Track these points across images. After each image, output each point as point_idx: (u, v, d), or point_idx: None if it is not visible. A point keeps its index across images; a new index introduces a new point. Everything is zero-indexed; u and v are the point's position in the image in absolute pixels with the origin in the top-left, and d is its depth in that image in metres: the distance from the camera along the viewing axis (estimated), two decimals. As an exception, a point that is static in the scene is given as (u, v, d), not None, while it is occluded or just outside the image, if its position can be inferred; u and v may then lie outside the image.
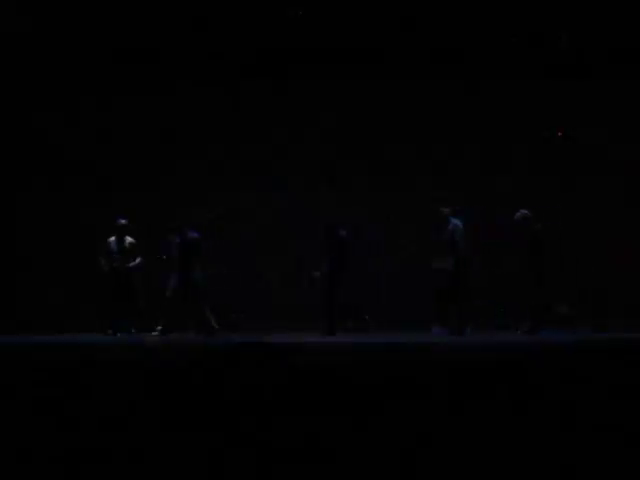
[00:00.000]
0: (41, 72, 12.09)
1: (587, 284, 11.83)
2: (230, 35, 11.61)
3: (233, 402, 3.95)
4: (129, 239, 11.04)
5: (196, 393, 4.27)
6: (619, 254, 11.94)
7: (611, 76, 11.96)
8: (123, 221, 11.00)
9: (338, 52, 11.87)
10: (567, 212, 12.10)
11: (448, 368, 5.32)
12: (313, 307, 11.06)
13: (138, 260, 10.97)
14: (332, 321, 10.34)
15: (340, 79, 12.20)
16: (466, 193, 12.19)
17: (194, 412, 3.78)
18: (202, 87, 12.38)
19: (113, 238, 11.03)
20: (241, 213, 12.29)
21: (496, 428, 3.39)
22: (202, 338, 10.38)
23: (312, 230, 11.30)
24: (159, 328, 10.69)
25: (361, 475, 2.84)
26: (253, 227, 12.16)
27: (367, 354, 7.13)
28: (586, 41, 11.71)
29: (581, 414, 3.62)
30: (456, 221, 10.23)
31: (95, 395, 4.26)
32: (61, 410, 3.83)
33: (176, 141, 12.49)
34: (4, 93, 12.20)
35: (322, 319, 10.45)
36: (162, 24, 11.40)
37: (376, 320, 11.28)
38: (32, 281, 12.22)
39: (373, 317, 11.32)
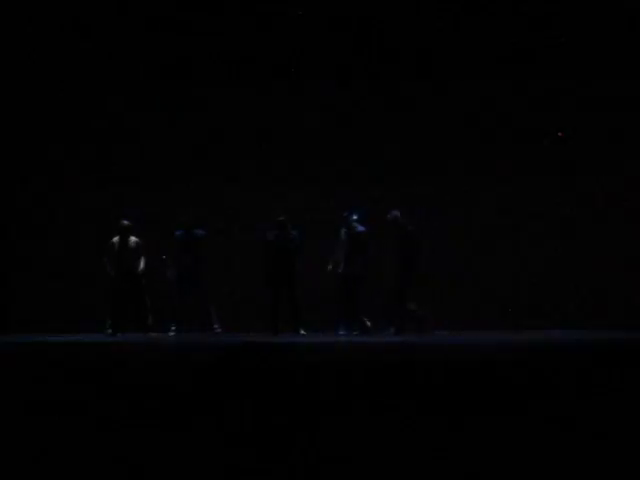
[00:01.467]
0: (41, 71, 12.09)
1: (587, 284, 11.84)
2: (231, 35, 11.60)
3: (231, 400, 3.96)
4: (133, 239, 10.98)
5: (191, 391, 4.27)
6: (619, 254, 11.92)
7: (611, 76, 11.95)
8: (125, 222, 10.94)
9: (338, 52, 11.88)
10: (567, 212, 12.12)
11: (447, 368, 5.33)
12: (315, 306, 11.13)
13: (143, 262, 10.90)
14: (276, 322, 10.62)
15: (340, 79, 12.19)
16: (466, 193, 12.20)
17: (189, 411, 3.78)
18: (203, 87, 12.38)
19: (117, 239, 10.96)
20: (241, 213, 12.24)
21: (496, 428, 3.40)
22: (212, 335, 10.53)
23: (313, 230, 11.27)
24: (173, 328, 10.77)
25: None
26: (252, 227, 12.08)
27: (363, 354, 7.13)
28: (586, 41, 11.69)
29: (580, 414, 3.62)
30: (361, 227, 10.64)
31: (90, 394, 4.27)
32: (61, 409, 3.85)
33: (177, 141, 12.47)
34: (5, 92, 12.21)
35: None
36: (162, 24, 11.39)
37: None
38: (32, 281, 12.18)
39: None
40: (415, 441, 3.14)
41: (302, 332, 10.54)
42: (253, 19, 11.43)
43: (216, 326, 10.77)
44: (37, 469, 2.79)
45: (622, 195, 12.10)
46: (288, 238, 10.68)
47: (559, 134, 12.36)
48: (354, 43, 11.76)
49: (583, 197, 12.17)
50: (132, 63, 12.00)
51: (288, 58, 11.97)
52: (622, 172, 12.09)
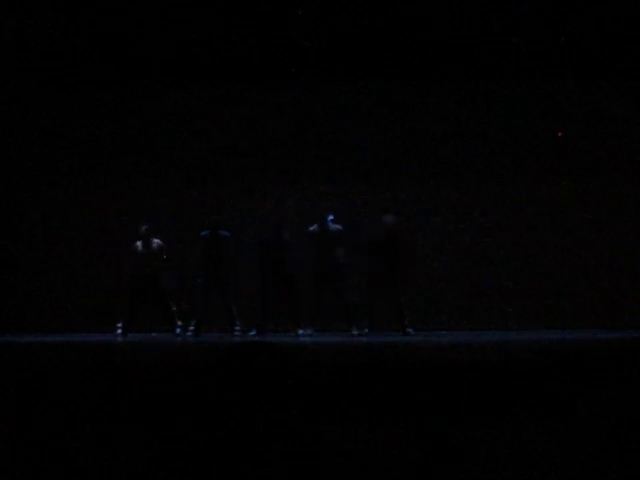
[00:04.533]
0: (39, 72, 12.12)
1: (587, 283, 11.87)
2: (230, 35, 11.60)
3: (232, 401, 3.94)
4: (156, 241, 11.00)
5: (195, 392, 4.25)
6: (619, 254, 11.96)
7: (611, 76, 12.00)
8: (145, 226, 10.94)
9: (339, 52, 11.90)
10: (567, 212, 12.15)
11: (446, 368, 5.31)
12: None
13: (168, 264, 10.98)
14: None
15: (339, 79, 12.24)
16: (467, 194, 12.22)
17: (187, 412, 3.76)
18: (204, 87, 12.42)
19: (139, 242, 10.96)
20: (242, 214, 12.24)
21: (497, 428, 3.38)
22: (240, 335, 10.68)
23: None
24: (192, 328, 10.87)
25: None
26: (252, 227, 12.08)
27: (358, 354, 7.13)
28: (586, 41, 11.69)
29: (580, 414, 3.61)
30: (337, 225, 10.89)
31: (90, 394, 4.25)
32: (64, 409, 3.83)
33: (177, 141, 12.48)
34: (7, 91, 12.21)
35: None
36: (160, 24, 11.41)
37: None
38: (41, 281, 12.25)
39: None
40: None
41: (300, 332, 10.61)
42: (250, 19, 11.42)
43: (237, 327, 10.86)
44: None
45: (622, 195, 12.14)
46: (282, 239, 10.76)
47: (558, 134, 12.36)
48: (353, 43, 11.80)
49: (583, 197, 12.20)
50: (136, 62, 12.05)
51: (289, 58, 12.00)
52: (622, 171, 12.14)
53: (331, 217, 10.89)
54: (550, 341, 8.67)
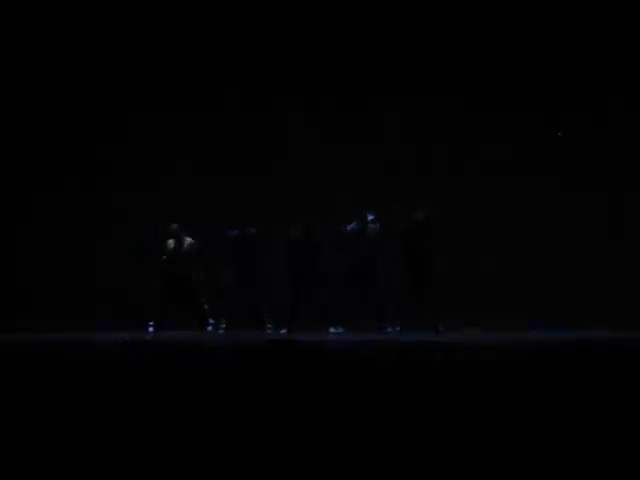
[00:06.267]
0: (36, 74, 12.38)
1: (587, 282, 12.00)
2: (227, 34, 11.76)
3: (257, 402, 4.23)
4: (188, 240, 11.18)
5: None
6: (618, 253, 12.16)
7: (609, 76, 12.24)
8: (175, 225, 11.11)
9: (340, 52, 12.12)
10: (566, 212, 12.33)
11: (449, 368, 5.63)
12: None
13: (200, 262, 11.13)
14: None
15: (339, 79, 12.48)
16: (467, 193, 12.45)
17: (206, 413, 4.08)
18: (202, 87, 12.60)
19: (171, 240, 11.11)
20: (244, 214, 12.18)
21: (498, 428, 3.68)
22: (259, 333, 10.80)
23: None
24: (223, 326, 11.10)
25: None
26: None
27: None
28: (585, 41, 11.87)
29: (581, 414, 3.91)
30: (376, 225, 10.97)
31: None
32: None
33: (176, 142, 12.65)
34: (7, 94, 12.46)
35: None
36: (159, 24, 11.56)
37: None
38: (59, 279, 12.47)
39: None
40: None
41: (331, 330, 10.82)
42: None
43: (269, 326, 11.08)
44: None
45: (622, 195, 12.38)
46: (312, 239, 10.89)
47: (558, 134, 12.51)
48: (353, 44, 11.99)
49: (583, 197, 12.39)
50: (137, 61, 12.26)
51: (292, 57, 12.15)
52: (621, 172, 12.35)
53: (371, 217, 10.91)
54: (553, 341, 8.73)
